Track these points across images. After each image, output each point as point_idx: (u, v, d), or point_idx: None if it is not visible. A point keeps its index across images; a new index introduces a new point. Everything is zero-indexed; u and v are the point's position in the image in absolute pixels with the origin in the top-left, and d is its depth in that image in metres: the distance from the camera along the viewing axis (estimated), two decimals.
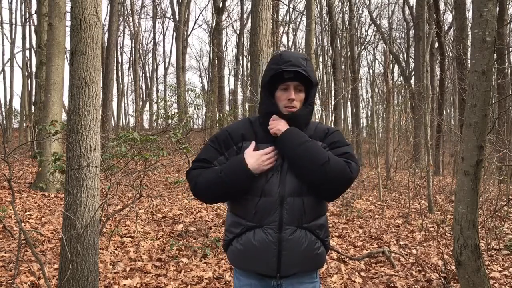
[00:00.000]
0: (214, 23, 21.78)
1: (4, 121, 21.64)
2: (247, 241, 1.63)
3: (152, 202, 7.47)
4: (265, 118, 1.70)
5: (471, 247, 2.72)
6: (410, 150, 16.10)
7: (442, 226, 6.34)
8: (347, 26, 22.76)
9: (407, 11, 23.09)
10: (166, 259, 4.43)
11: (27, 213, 6.17)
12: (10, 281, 3.52)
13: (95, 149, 3.00)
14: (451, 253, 4.44)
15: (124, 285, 3.68)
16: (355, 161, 1.65)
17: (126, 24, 28.73)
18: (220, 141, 1.71)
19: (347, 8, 22.98)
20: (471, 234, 2.71)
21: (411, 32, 23.98)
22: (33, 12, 17.75)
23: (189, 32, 26.45)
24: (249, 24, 14.73)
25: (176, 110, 16.79)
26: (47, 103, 7.97)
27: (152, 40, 38.36)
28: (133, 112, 31.50)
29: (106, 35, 17.22)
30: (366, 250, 5.07)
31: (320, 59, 23.58)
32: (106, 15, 20.82)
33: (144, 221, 6.10)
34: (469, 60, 5.43)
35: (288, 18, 25.43)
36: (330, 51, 20.99)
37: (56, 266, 4.01)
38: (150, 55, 33.80)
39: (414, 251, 5.01)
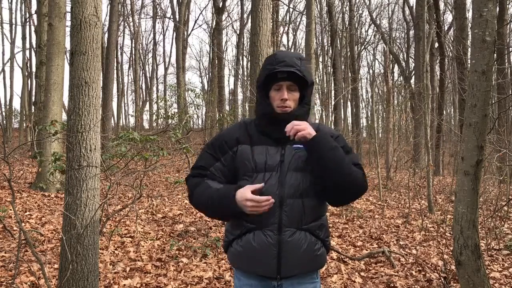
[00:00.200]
0: (214, 23, 21.81)
1: (4, 121, 21.61)
2: (247, 243, 1.63)
3: (152, 202, 7.47)
4: (261, 119, 1.70)
5: (471, 247, 2.72)
6: (410, 150, 16.08)
7: (442, 226, 6.34)
8: (347, 26, 22.77)
9: (407, 11, 23.09)
10: (166, 259, 4.43)
11: (27, 213, 6.17)
12: (10, 281, 3.52)
13: (95, 149, 3.01)
14: (451, 253, 4.44)
15: (124, 285, 3.68)
16: (364, 172, 1.68)
17: (126, 24, 28.74)
18: (215, 147, 1.72)
19: (347, 8, 23.01)
20: (471, 234, 2.71)
21: (411, 32, 23.98)
22: (33, 12, 17.73)
23: (189, 32, 26.45)
24: (249, 24, 14.73)
25: (176, 110, 16.78)
26: (47, 103, 7.97)
27: (152, 40, 38.42)
28: (133, 112, 31.51)
29: (106, 35, 17.23)
30: (366, 250, 5.07)
31: (320, 59, 23.61)
32: (106, 15, 20.81)
33: (144, 221, 6.10)
34: (469, 60, 5.43)
35: (288, 18, 25.40)
36: (330, 51, 21.00)
37: (56, 266, 4.01)
38: (150, 55, 33.84)
39: (414, 251, 5.01)
